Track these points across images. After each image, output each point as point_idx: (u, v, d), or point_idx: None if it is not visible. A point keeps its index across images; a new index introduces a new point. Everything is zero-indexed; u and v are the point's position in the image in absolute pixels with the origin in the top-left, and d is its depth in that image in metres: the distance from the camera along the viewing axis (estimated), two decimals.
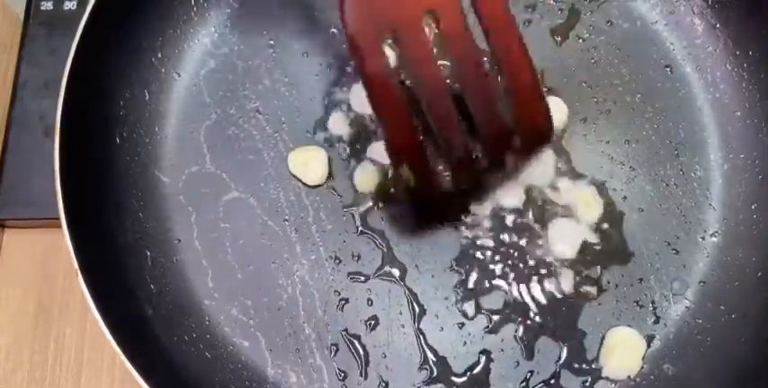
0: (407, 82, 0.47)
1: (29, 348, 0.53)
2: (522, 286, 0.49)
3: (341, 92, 0.53)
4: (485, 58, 0.44)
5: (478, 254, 0.50)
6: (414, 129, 0.44)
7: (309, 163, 0.51)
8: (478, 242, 0.50)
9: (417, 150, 0.44)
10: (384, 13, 0.42)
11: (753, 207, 0.51)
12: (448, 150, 0.45)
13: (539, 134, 0.47)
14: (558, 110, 0.51)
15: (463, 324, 0.49)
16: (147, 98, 0.52)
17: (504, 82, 0.44)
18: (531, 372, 0.48)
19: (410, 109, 0.43)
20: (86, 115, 0.48)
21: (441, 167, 0.47)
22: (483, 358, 0.48)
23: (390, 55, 0.43)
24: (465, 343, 0.48)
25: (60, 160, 0.45)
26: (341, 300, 0.49)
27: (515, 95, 0.45)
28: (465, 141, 0.45)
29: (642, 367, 0.48)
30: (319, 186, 0.51)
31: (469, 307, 0.49)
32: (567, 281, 0.49)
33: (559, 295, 0.49)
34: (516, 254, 0.50)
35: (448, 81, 0.44)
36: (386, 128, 0.44)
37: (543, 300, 0.49)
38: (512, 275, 0.49)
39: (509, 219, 0.50)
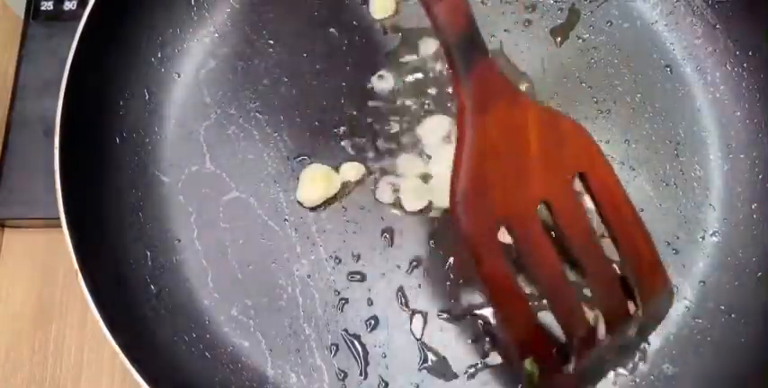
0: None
1: (29, 348, 0.53)
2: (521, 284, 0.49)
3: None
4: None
5: None
6: (537, 324, 0.43)
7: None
8: None
9: (542, 342, 0.43)
10: (498, 209, 0.40)
11: (753, 207, 0.51)
12: (570, 333, 0.43)
13: (658, 301, 0.46)
14: None
15: (463, 324, 0.49)
16: (147, 98, 0.53)
17: (627, 264, 0.44)
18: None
19: (531, 305, 0.43)
20: (86, 115, 0.48)
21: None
22: (483, 358, 0.48)
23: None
24: (465, 343, 0.48)
25: (60, 160, 0.45)
26: (341, 300, 0.49)
27: (638, 277, 0.44)
28: (586, 322, 0.44)
29: None
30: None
31: (469, 307, 0.49)
32: None
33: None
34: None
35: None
36: (508, 325, 0.42)
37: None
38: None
39: None
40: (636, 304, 0.44)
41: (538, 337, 0.43)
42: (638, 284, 0.44)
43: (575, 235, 0.42)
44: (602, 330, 0.44)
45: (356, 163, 0.52)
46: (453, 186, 0.40)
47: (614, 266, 0.44)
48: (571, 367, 0.44)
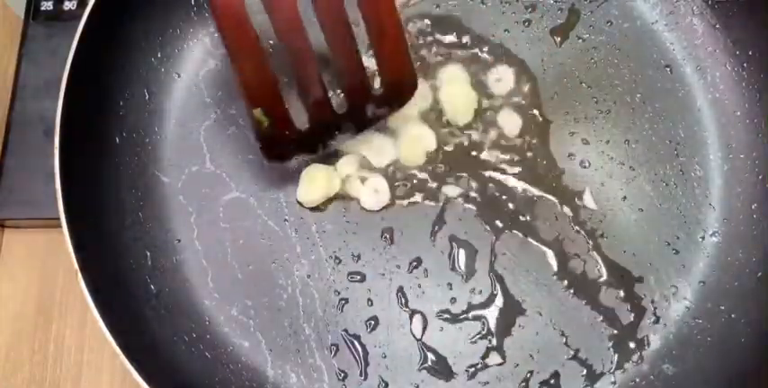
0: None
1: (29, 348, 0.53)
2: (521, 284, 0.49)
3: None
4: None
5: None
6: (267, 67, 0.43)
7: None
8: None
9: (271, 90, 0.44)
10: None
11: (753, 207, 0.51)
12: (303, 91, 0.44)
13: (400, 85, 0.47)
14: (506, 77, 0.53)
15: (463, 324, 0.49)
16: (147, 98, 0.53)
17: (369, 31, 0.44)
18: (531, 372, 0.48)
19: (263, 46, 0.42)
20: (86, 115, 0.48)
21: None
22: (483, 358, 0.48)
23: None
24: (465, 343, 0.48)
25: (60, 160, 0.45)
26: (341, 300, 0.49)
27: (378, 43, 0.45)
28: (321, 82, 0.45)
29: None
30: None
31: (469, 307, 0.49)
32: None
33: (558, 293, 0.49)
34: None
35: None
36: (238, 66, 0.42)
37: (541, 298, 0.49)
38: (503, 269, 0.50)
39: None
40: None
41: (269, 87, 0.43)
42: (380, 60, 0.45)
43: None
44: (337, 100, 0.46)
45: (351, 156, 0.51)
46: None
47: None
48: (304, 124, 0.45)
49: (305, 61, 0.43)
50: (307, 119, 0.46)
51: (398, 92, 0.48)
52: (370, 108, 0.48)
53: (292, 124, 0.45)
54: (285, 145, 0.47)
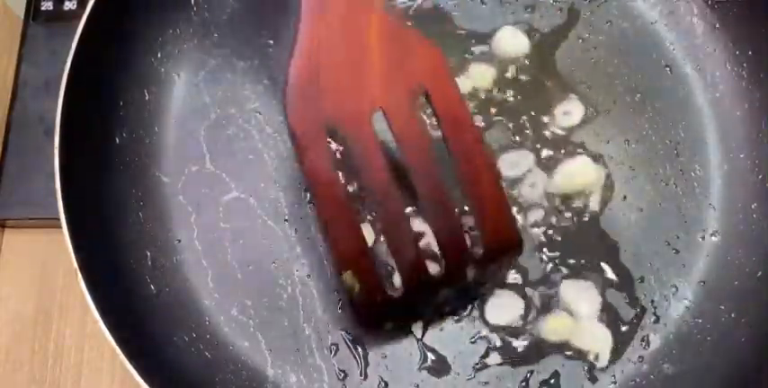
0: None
1: (29, 348, 0.53)
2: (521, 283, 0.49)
3: None
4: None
5: None
6: (359, 233, 0.41)
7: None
8: None
9: (363, 256, 0.42)
10: (329, 110, 0.40)
11: (753, 206, 0.51)
12: (397, 254, 0.42)
13: (503, 245, 0.44)
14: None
15: (463, 324, 0.49)
16: (147, 98, 0.52)
17: (465, 189, 0.42)
18: (531, 372, 0.48)
19: (355, 212, 0.42)
20: (86, 115, 0.48)
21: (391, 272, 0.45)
22: (483, 358, 0.48)
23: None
24: (465, 342, 0.48)
25: (60, 160, 0.45)
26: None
27: (477, 203, 0.42)
28: (415, 246, 0.42)
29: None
30: None
31: (469, 307, 0.49)
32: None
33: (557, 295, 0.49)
34: None
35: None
36: (329, 232, 0.42)
37: (540, 301, 0.49)
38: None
39: None
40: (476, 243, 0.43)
41: (359, 251, 0.41)
42: (478, 219, 0.42)
43: (410, 151, 0.40)
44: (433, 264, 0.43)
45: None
46: (285, 83, 0.40)
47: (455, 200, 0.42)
48: (396, 292, 0.43)
49: (399, 226, 0.41)
50: (400, 286, 0.44)
51: (499, 252, 0.44)
52: (470, 271, 0.44)
53: (384, 290, 0.43)
54: (379, 309, 0.44)
